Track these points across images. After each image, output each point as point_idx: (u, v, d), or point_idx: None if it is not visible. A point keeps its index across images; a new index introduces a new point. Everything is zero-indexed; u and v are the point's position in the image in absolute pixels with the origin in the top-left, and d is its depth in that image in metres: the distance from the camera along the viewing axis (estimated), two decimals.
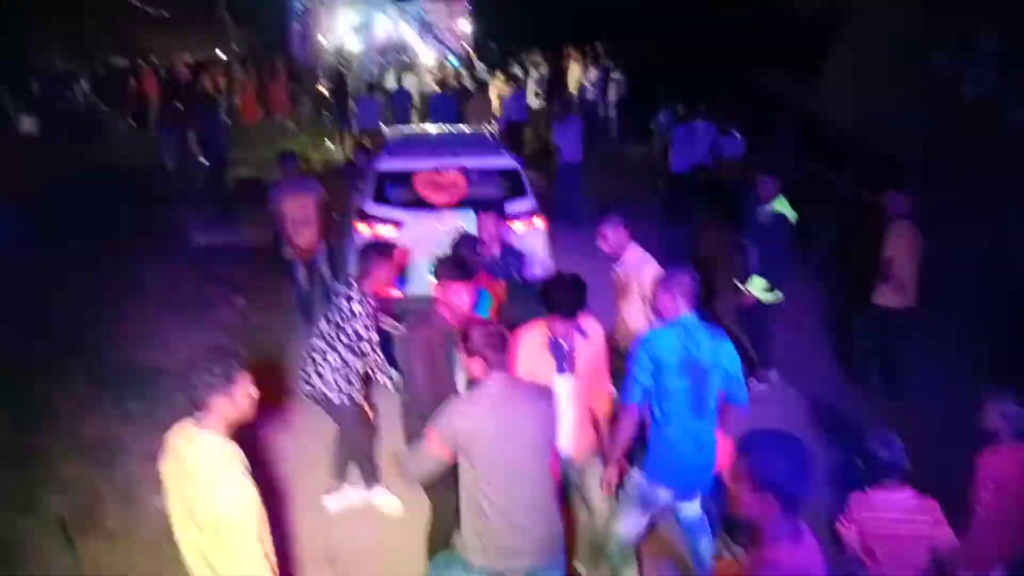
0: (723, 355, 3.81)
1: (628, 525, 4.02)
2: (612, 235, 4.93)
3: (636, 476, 3.99)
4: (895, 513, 3.37)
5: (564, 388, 3.95)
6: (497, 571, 3.26)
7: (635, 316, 4.94)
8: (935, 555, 3.40)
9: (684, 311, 3.82)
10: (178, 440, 2.81)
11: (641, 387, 3.81)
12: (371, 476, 5.04)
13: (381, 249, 4.67)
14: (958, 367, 6.50)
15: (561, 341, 3.95)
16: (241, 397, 2.79)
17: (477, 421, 3.17)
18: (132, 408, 5.96)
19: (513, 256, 5.49)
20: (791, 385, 6.76)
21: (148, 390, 6.15)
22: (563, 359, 3.97)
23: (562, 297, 3.84)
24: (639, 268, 4.91)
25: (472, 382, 3.41)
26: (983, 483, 3.52)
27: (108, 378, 6.33)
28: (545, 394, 3.42)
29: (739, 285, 6.51)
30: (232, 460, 2.73)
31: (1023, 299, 6.67)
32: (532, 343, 3.97)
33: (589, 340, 4.02)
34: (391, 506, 5.01)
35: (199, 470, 2.71)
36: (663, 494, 3.91)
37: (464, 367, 3.35)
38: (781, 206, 6.31)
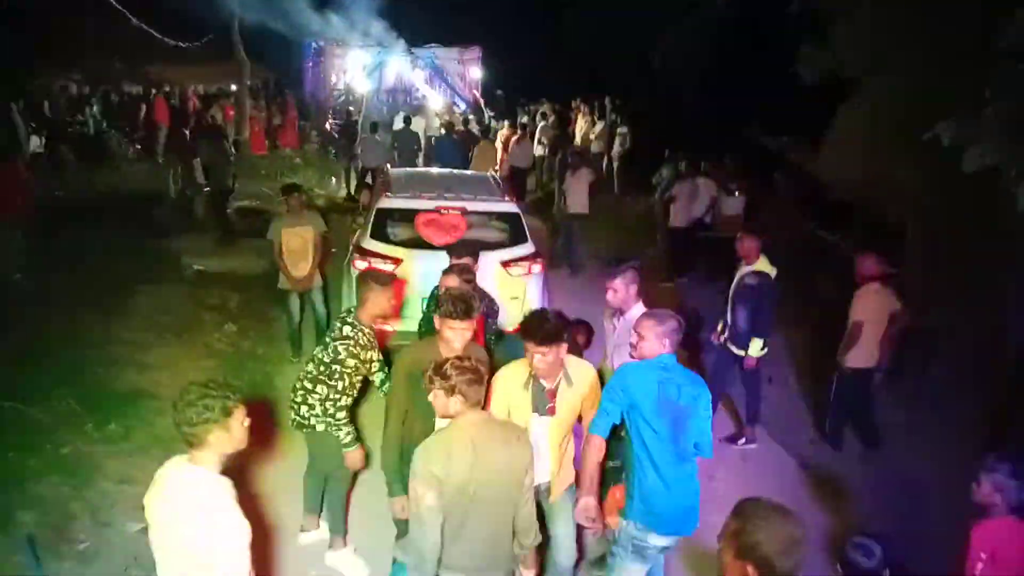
0: (701, 402, 3.81)
1: None
2: (623, 288, 4.81)
3: (627, 527, 3.91)
4: None
5: (540, 428, 3.90)
6: None
7: None
8: None
9: (665, 352, 3.81)
10: (171, 477, 2.75)
11: (610, 419, 3.81)
12: (338, 532, 4.81)
13: (379, 278, 4.61)
14: (954, 435, 6.49)
15: (543, 382, 3.88)
16: (237, 430, 2.76)
17: (450, 463, 3.11)
18: (112, 430, 5.88)
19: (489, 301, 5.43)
20: (776, 442, 6.75)
21: (130, 413, 6.08)
22: (543, 400, 3.90)
23: (536, 325, 3.76)
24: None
25: (445, 419, 3.33)
26: (976, 555, 3.44)
27: (91, 398, 6.25)
28: (519, 435, 3.39)
29: (731, 347, 6.52)
30: (227, 499, 2.69)
31: (1019, 369, 6.65)
32: (512, 379, 3.91)
33: (574, 386, 3.93)
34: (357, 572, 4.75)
35: (194, 509, 2.65)
36: (655, 540, 3.85)
37: (439, 405, 3.26)
38: (763, 265, 6.37)
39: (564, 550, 4.18)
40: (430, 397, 3.26)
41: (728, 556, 2.27)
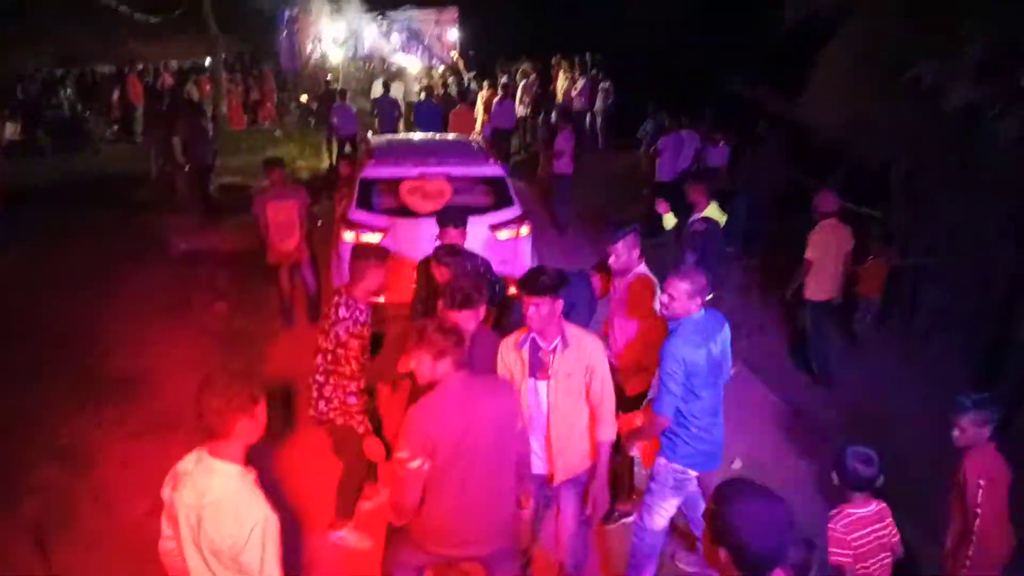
0: (728, 341, 4.07)
1: (664, 513, 4.16)
2: (625, 252, 4.68)
3: (668, 466, 4.09)
4: (872, 526, 3.41)
5: (534, 396, 3.84)
6: (449, 558, 3.32)
7: (626, 333, 4.80)
8: (894, 559, 3.50)
9: (695, 310, 3.91)
10: (195, 471, 2.65)
11: (676, 400, 3.90)
12: (346, 516, 4.76)
13: (378, 252, 4.53)
14: (944, 371, 6.58)
15: (539, 341, 3.79)
16: (262, 419, 2.68)
17: (445, 422, 3.14)
18: (109, 415, 5.90)
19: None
20: (770, 391, 6.84)
21: (126, 397, 6.10)
22: (537, 362, 3.81)
23: (532, 277, 3.73)
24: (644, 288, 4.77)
25: (431, 384, 3.28)
26: (974, 484, 3.54)
27: (85, 384, 6.27)
28: (505, 388, 3.50)
29: None
30: (255, 493, 2.62)
31: (1004, 308, 6.73)
32: (508, 343, 3.90)
33: (571, 350, 3.77)
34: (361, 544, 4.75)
35: (223, 504, 2.57)
36: (694, 474, 4.12)
37: (425, 371, 3.23)
38: (712, 212, 6.46)
39: (567, 551, 4.09)
40: (412, 365, 3.26)
41: (707, 540, 2.26)
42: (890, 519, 3.48)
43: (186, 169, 12.27)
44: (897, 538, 3.48)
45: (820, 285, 6.71)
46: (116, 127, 18.08)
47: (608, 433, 3.87)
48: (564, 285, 3.83)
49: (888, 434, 5.38)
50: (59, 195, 11.58)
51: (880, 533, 3.42)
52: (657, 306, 4.41)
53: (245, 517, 2.55)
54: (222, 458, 2.62)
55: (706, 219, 6.45)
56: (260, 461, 2.79)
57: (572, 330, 3.85)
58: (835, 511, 3.45)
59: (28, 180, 12.84)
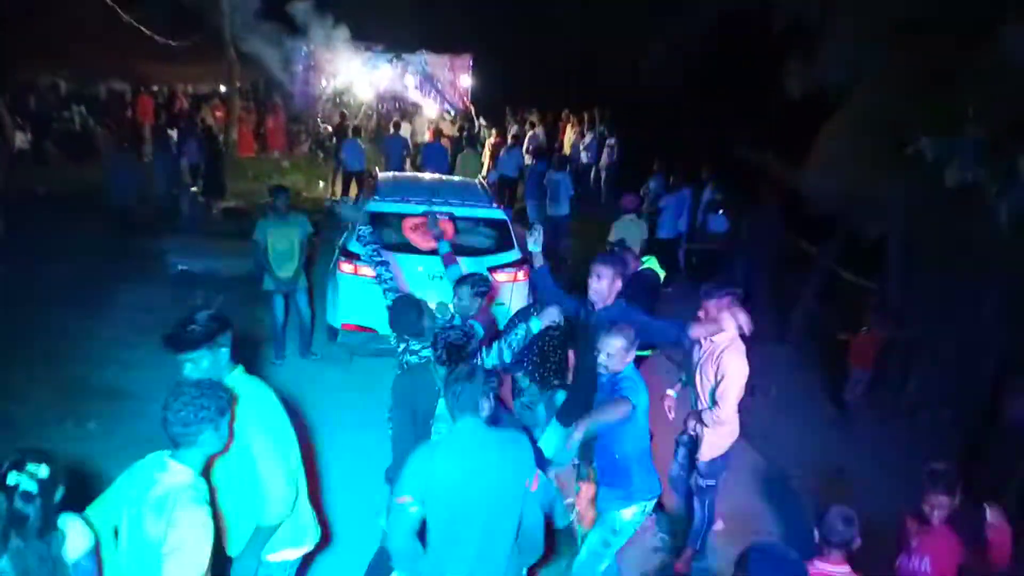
0: None
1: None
2: (716, 312, 4.65)
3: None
4: None
5: None
6: None
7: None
8: None
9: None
10: (154, 475, 2.71)
11: None
12: None
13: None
14: (930, 448, 6.56)
15: None
16: (226, 432, 2.76)
17: (443, 469, 3.06)
18: (92, 429, 5.84)
19: None
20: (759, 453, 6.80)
21: (110, 411, 6.05)
22: None
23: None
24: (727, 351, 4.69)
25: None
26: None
27: (71, 396, 6.22)
28: (516, 439, 3.29)
29: None
30: (206, 503, 2.67)
31: (993, 386, 6.74)
32: None
33: None
34: None
35: (175, 509, 2.61)
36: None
37: None
38: (651, 264, 6.49)
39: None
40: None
41: None
42: None
43: (191, 191, 12.34)
44: None
45: None
46: (125, 144, 18.20)
47: None
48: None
49: (864, 502, 5.36)
50: (61, 207, 11.61)
51: None
52: None
53: (191, 526, 2.60)
54: (183, 465, 2.69)
55: (644, 269, 6.42)
56: None
57: None
58: (807, 561, 3.46)
59: (32, 190, 12.89)
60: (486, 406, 3.16)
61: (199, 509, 2.64)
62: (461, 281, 4.85)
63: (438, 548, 3.12)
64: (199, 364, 3.09)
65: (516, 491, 3.15)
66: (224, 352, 3.19)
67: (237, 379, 3.20)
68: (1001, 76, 5.72)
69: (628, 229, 8.92)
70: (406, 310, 4.39)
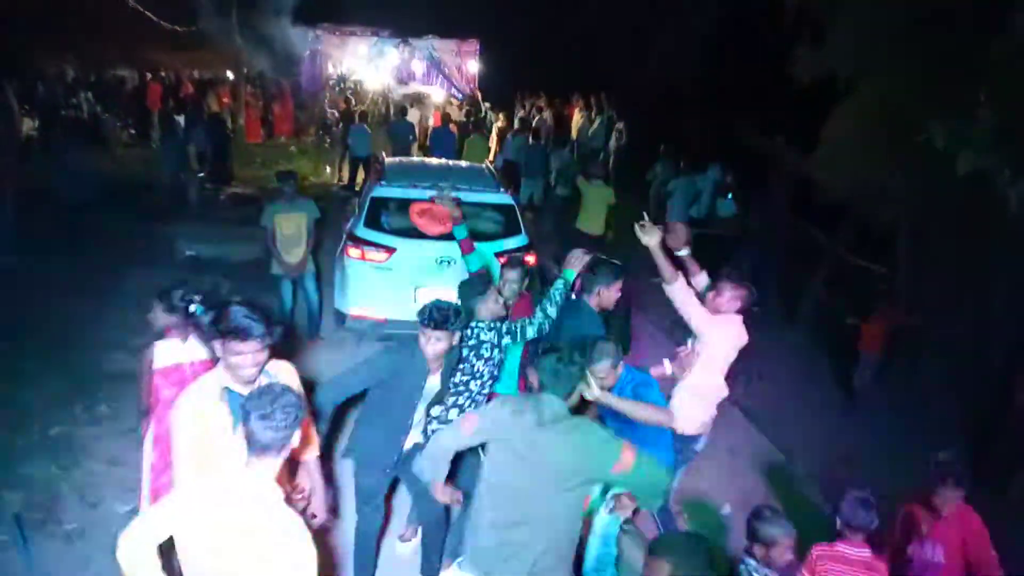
0: None
1: None
2: (731, 298, 4.55)
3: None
4: (856, 568, 3.45)
5: None
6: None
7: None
8: None
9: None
10: (235, 495, 2.56)
11: None
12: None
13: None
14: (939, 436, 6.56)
15: None
16: (298, 438, 2.63)
17: (509, 432, 3.13)
18: (102, 412, 5.88)
19: None
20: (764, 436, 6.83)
21: (119, 395, 6.08)
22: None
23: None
24: (726, 338, 4.56)
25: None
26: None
27: (81, 380, 6.26)
28: (584, 427, 3.17)
29: None
30: (300, 526, 2.55)
31: (1003, 374, 6.72)
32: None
33: None
34: None
35: (267, 535, 2.50)
36: None
37: None
38: None
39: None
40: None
41: None
42: (882, 572, 3.47)
43: (199, 176, 12.35)
44: None
45: None
46: (133, 131, 18.22)
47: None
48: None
49: (872, 487, 5.38)
50: (70, 195, 11.61)
51: None
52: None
53: (298, 555, 2.53)
54: (263, 478, 2.60)
55: None
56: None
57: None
58: (826, 543, 3.49)
59: (40, 178, 12.90)
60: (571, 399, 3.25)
61: (306, 543, 2.55)
62: (510, 264, 4.83)
63: (479, 506, 3.21)
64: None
65: (568, 482, 3.05)
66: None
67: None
68: (1013, 62, 5.67)
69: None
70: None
